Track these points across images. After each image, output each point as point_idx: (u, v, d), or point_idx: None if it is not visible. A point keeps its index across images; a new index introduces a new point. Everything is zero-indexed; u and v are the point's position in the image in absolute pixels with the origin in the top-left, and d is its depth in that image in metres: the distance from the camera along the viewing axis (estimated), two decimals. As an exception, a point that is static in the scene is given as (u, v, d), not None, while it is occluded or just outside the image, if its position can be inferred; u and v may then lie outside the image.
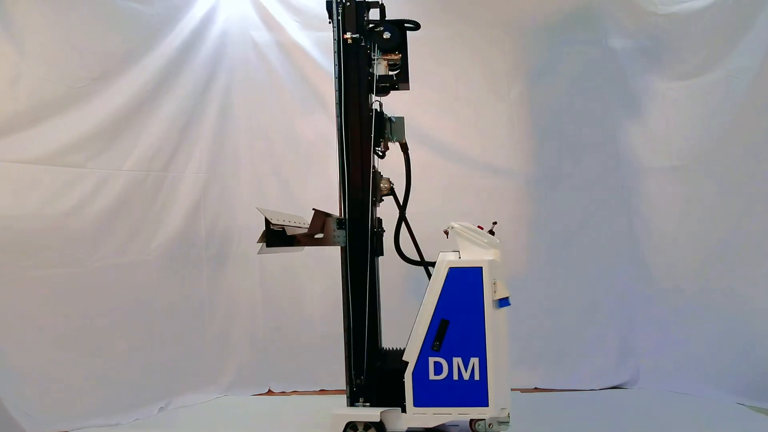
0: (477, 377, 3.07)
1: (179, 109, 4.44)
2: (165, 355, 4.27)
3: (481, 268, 3.07)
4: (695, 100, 4.42)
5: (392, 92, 3.55)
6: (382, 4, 3.45)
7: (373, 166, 3.33)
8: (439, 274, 3.12)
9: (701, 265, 4.36)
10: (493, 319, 3.08)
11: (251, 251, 4.66)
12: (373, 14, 3.49)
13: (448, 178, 4.76)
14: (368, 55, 3.36)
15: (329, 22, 3.49)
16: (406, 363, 3.15)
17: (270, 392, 4.61)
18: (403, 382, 3.09)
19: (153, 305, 4.25)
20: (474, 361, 3.07)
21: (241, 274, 4.71)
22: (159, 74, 4.32)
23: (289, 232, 3.12)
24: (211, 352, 4.54)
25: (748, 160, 4.18)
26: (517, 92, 4.81)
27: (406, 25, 3.37)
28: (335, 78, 3.35)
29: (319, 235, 3.11)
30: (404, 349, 3.40)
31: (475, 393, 3.07)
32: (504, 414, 3.13)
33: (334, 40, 3.38)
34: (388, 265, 3.50)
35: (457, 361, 3.08)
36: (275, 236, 3.03)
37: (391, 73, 3.42)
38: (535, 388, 4.54)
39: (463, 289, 3.09)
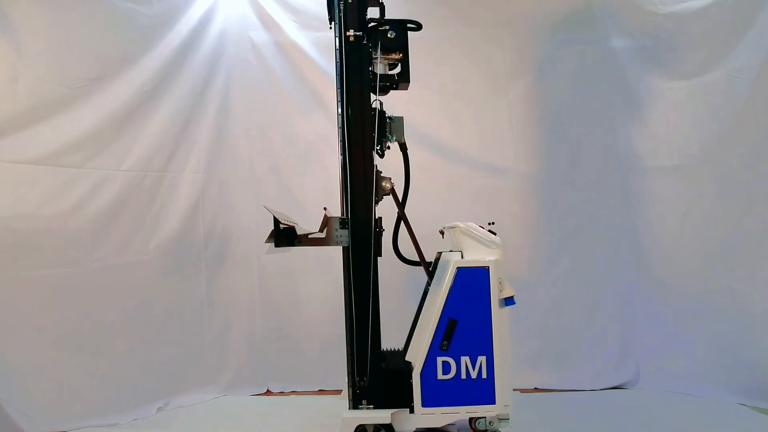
0: (484, 376, 3.09)
1: (178, 109, 4.44)
2: (163, 355, 4.26)
3: (488, 267, 3.11)
4: (696, 100, 4.41)
5: (391, 92, 3.54)
6: (382, 2, 3.43)
7: (375, 166, 3.31)
8: (447, 275, 3.13)
9: (702, 265, 4.35)
10: (499, 317, 3.12)
11: (250, 251, 4.69)
12: (371, 13, 3.47)
13: (446, 178, 4.76)
14: (369, 53, 3.33)
15: (329, 19, 3.48)
16: (409, 363, 3.15)
17: (268, 392, 4.60)
18: (411, 382, 3.08)
19: (151, 305, 4.25)
20: (481, 359, 3.09)
21: (239, 274, 4.70)
22: (157, 74, 4.32)
23: (298, 231, 3.12)
24: (209, 352, 4.53)
25: (748, 160, 4.17)
26: (516, 92, 4.80)
27: (408, 25, 3.36)
28: (337, 75, 3.33)
29: (321, 235, 3.11)
30: (402, 349, 3.41)
31: (482, 391, 3.09)
32: (506, 411, 3.14)
33: (336, 37, 3.35)
34: (382, 265, 3.48)
35: (464, 360, 3.09)
36: (283, 236, 3.03)
37: (391, 72, 3.40)
38: (535, 388, 4.53)
39: (471, 288, 3.12)
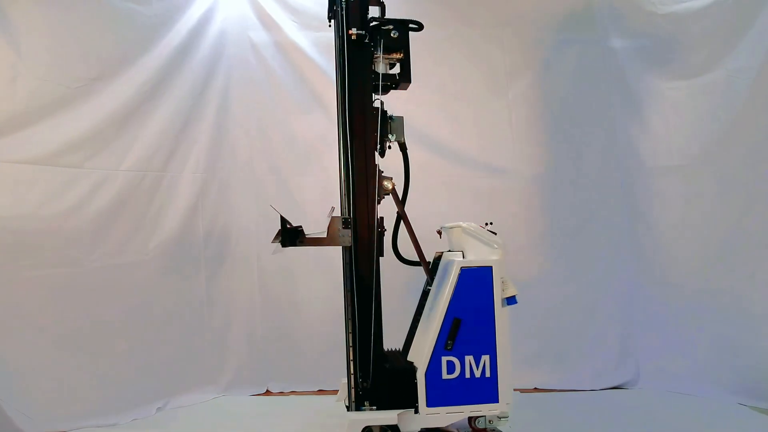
0: (488, 374, 3.11)
1: (177, 109, 4.43)
2: (163, 355, 4.25)
3: (491, 267, 3.14)
4: (695, 100, 4.41)
5: (390, 92, 3.53)
6: (383, 2, 3.43)
7: (377, 165, 3.29)
8: (451, 275, 3.14)
9: (702, 265, 4.35)
10: (501, 317, 3.14)
11: (250, 251, 4.69)
12: (371, 12, 3.46)
13: (446, 178, 4.75)
14: (371, 52, 3.30)
15: (329, 17, 3.47)
16: (411, 363, 3.15)
17: (268, 392, 4.60)
18: (415, 383, 3.08)
19: (151, 305, 4.24)
20: (485, 358, 3.11)
21: (239, 274, 4.70)
22: (157, 74, 4.31)
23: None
24: (209, 352, 4.52)
25: (748, 160, 4.17)
26: (516, 92, 4.80)
27: (410, 25, 3.35)
28: (337, 74, 3.30)
29: (323, 235, 3.10)
30: (400, 349, 3.41)
31: (486, 390, 3.11)
32: (507, 409, 3.15)
33: (337, 35, 3.33)
34: (380, 265, 3.48)
35: (469, 359, 3.10)
36: (291, 235, 3.03)
37: (392, 72, 3.38)
38: (535, 388, 4.53)
39: (474, 288, 3.14)
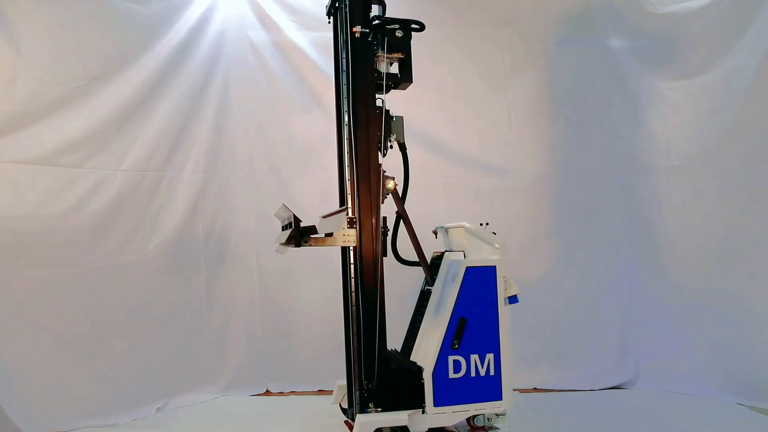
0: (492, 372, 3.14)
1: (176, 109, 4.43)
2: (163, 355, 4.25)
3: (495, 267, 3.18)
4: (694, 100, 4.42)
5: (391, 91, 3.53)
6: (384, 1, 3.42)
7: (381, 165, 3.26)
8: (458, 274, 3.15)
9: (701, 265, 4.36)
10: (504, 315, 3.19)
11: (249, 251, 4.69)
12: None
13: (445, 178, 4.76)
14: (374, 51, 3.27)
15: (329, 13, 3.46)
16: (414, 363, 3.15)
17: (268, 392, 4.60)
18: (422, 383, 3.07)
19: (151, 305, 4.24)
20: (489, 357, 3.14)
21: (239, 274, 4.70)
22: (156, 74, 4.31)
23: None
24: (208, 353, 4.53)
25: (747, 160, 4.18)
26: (515, 92, 4.81)
27: (412, 26, 3.34)
28: (341, 72, 3.28)
29: (329, 235, 3.08)
30: (396, 349, 3.41)
31: (490, 388, 3.14)
32: (507, 406, 3.18)
33: (341, 32, 3.30)
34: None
35: (474, 358, 3.13)
36: (304, 234, 3.02)
37: (393, 71, 3.35)
38: (534, 388, 4.53)
39: (479, 287, 3.17)
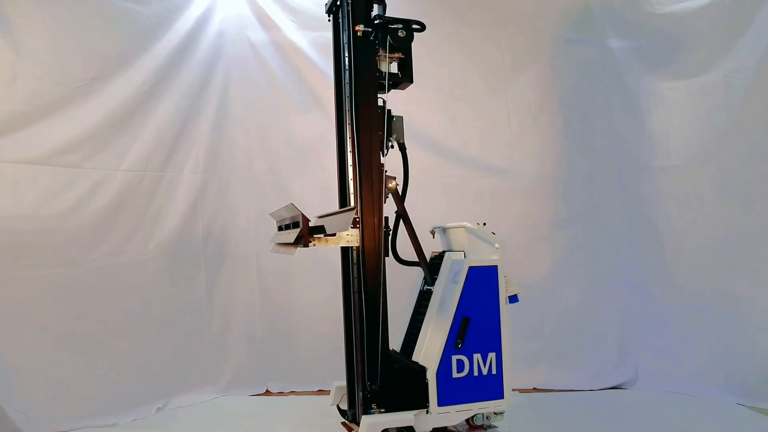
0: (494, 371, 3.16)
1: (176, 108, 4.42)
2: (162, 355, 4.25)
3: (497, 266, 3.20)
4: (694, 100, 4.42)
5: (391, 91, 3.52)
6: (384, 0, 3.41)
7: (383, 165, 3.24)
8: (460, 274, 3.16)
9: (701, 265, 4.36)
10: (504, 314, 3.21)
11: (249, 251, 4.69)
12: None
13: (445, 178, 4.76)
14: (376, 50, 3.24)
15: (328, 11, 3.45)
16: (416, 363, 3.15)
17: (268, 392, 4.60)
18: (426, 383, 3.07)
19: (151, 305, 4.24)
20: (491, 356, 3.16)
21: (238, 275, 4.69)
22: (156, 74, 4.31)
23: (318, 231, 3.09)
24: (208, 353, 4.52)
25: (747, 160, 4.18)
26: (515, 92, 4.81)
27: (413, 26, 3.34)
28: (345, 71, 3.26)
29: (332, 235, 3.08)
30: (398, 350, 3.41)
31: (492, 387, 3.16)
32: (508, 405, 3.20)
33: (343, 31, 3.29)
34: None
35: (477, 357, 3.14)
36: (313, 233, 3.01)
37: (393, 71, 3.32)
38: (534, 388, 4.53)
39: (481, 287, 3.19)
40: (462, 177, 4.77)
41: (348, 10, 3.21)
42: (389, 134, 3.29)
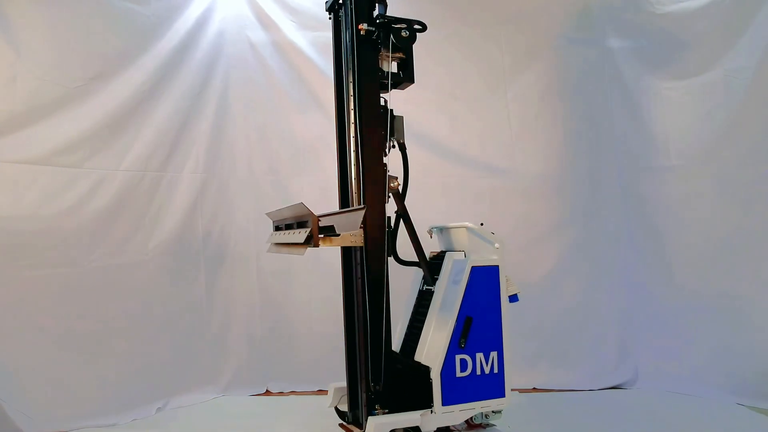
0: (496, 370, 3.20)
1: (176, 108, 4.42)
2: (162, 355, 4.25)
3: (498, 266, 3.24)
4: (693, 100, 4.43)
5: (391, 91, 3.52)
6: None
7: (385, 165, 3.25)
8: (462, 274, 3.18)
9: (701, 265, 4.36)
10: (505, 314, 3.24)
11: (249, 251, 4.70)
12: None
13: (445, 178, 4.76)
14: (379, 49, 3.24)
15: (329, 11, 3.45)
16: (419, 363, 3.16)
17: (268, 392, 4.60)
18: (430, 382, 3.08)
19: (151, 305, 4.23)
20: (493, 355, 3.20)
21: (239, 275, 4.69)
22: (155, 74, 4.31)
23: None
24: (208, 353, 4.52)
25: (746, 160, 4.19)
26: (515, 92, 4.81)
27: (415, 26, 3.34)
28: (349, 70, 3.24)
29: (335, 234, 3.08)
30: (398, 350, 3.41)
31: (494, 385, 3.19)
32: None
33: (346, 29, 3.28)
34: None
35: (479, 356, 3.17)
36: (324, 233, 3.01)
37: (395, 71, 3.33)
38: (534, 388, 4.54)
39: (483, 286, 3.21)
40: (462, 177, 4.77)
41: (351, 9, 3.21)
42: (392, 134, 3.29)
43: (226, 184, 4.69)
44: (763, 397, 3.97)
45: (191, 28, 4.53)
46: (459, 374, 3.12)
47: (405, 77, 3.34)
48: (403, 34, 3.24)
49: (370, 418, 2.94)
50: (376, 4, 3.26)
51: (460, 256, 3.33)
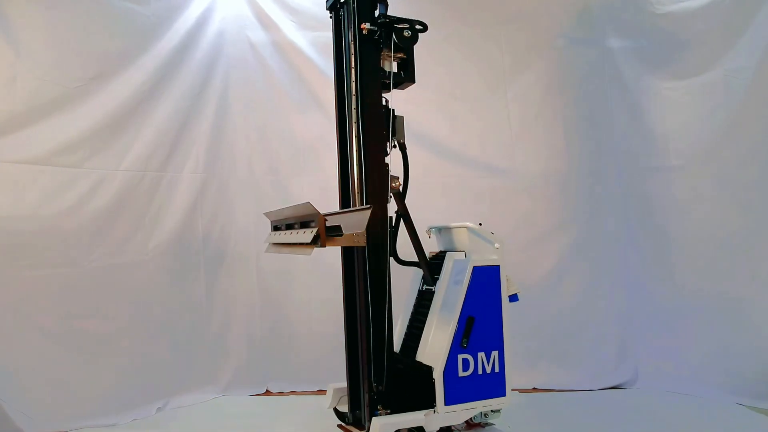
0: (497, 369, 3.20)
1: (176, 108, 4.42)
2: (162, 355, 4.25)
3: (499, 266, 3.24)
4: (693, 100, 4.43)
5: (390, 91, 3.52)
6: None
7: (387, 164, 3.24)
8: (463, 274, 3.18)
9: (701, 265, 4.36)
10: (505, 313, 3.24)
11: (249, 251, 4.70)
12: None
13: (445, 178, 4.76)
14: (381, 49, 3.25)
15: (330, 9, 3.45)
16: (420, 363, 3.16)
17: (268, 392, 4.60)
18: (433, 382, 3.08)
19: (150, 305, 4.23)
20: (494, 354, 3.21)
21: (238, 275, 4.69)
22: (155, 74, 4.30)
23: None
24: (208, 353, 4.52)
25: (746, 160, 4.19)
26: (515, 91, 4.81)
27: (416, 26, 3.33)
28: (351, 69, 3.23)
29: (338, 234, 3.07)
30: (398, 350, 3.41)
31: (495, 384, 3.20)
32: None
33: (348, 28, 3.27)
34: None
35: (481, 356, 3.17)
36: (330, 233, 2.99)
37: (396, 71, 3.33)
38: (534, 388, 4.54)
39: (485, 286, 3.21)
40: (462, 177, 4.77)
41: (353, 8, 3.20)
42: (394, 134, 3.30)
43: (226, 184, 4.69)
44: (763, 396, 3.97)
45: (191, 28, 4.52)
46: (461, 374, 3.12)
47: (406, 77, 3.34)
48: (406, 33, 3.24)
49: (374, 418, 2.93)
50: (378, 4, 3.25)
51: (460, 256, 3.33)
